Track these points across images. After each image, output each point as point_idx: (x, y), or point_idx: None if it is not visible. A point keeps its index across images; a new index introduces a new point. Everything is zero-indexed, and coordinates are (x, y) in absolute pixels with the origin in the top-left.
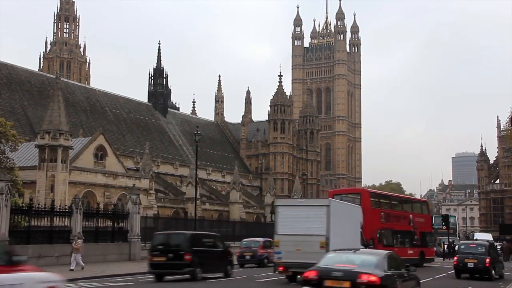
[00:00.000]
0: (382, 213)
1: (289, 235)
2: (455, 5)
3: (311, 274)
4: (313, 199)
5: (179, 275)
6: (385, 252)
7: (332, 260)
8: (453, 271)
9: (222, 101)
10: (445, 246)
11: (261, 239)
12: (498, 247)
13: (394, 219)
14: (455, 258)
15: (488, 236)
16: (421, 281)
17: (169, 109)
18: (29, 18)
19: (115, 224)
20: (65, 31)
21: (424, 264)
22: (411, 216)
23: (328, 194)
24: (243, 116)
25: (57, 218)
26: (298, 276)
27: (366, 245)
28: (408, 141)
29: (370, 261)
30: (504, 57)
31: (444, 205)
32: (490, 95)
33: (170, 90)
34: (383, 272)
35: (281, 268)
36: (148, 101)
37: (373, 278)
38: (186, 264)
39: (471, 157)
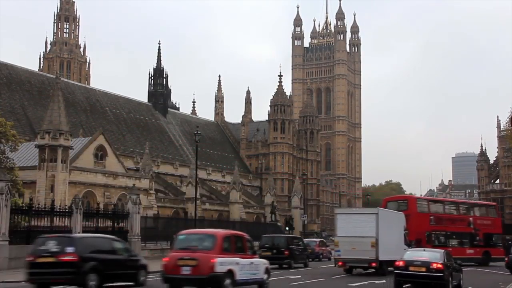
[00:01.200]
0: (431, 217)
1: (346, 237)
2: (455, 5)
3: (400, 263)
4: (365, 208)
5: (281, 265)
6: (442, 250)
7: (410, 255)
8: None
9: (222, 101)
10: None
11: (317, 239)
12: None
13: (448, 222)
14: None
15: None
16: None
17: (169, 109)
18: (29, 18)
19: (115, 224)
20: (65, 31)
21: (490, 264)
22: (471, 218)
23: (383, 201)
24: (243, 116)
25: (57, 218)
26: (354, 270)
27: (408, 245)
28: (408, 141)
29: (435, 255)
30: (504, 57)
31: None
32: (490, 95)
33: (170, 90)
34: (444, 263)
35: (340, 263)
36: (148, 101)
37: (439, 265)
38: (285, 257)
39: (471, 157)
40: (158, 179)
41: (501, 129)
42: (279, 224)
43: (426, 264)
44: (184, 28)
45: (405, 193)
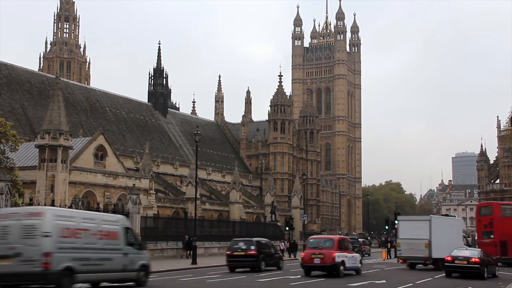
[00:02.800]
0: None
1: (405, 239)
2: (455, 5)
3: (448, 258)
4: (421, 215)
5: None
6: (480, 249)
7: (456, 252)
8: None
9: (222, 101)
10: None
11: (361, 239)
12: None
13: None
14: None
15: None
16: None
17: (169, 109)
18: (29, 18)
19: None
20: (65, 31)
21: None
22: None
23: (476, 206)
24: (243, 116)
25: None
26: (417, 265)
27: (469, 245)
28: (408, 141)
29: (474, 253)
30: (505, 57)
31: (444, 205)
32: (490, 95)
33: (170, 90)
34: (481, 257)
35: (401, 260)
36: (148, 101)
37: (476, 259)
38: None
39: (471, 157)
40: (158, 179)
41: (501, 129)
42: (279, 224)
43: (467, 259)
44: (184, 27)
45: (405, 193)
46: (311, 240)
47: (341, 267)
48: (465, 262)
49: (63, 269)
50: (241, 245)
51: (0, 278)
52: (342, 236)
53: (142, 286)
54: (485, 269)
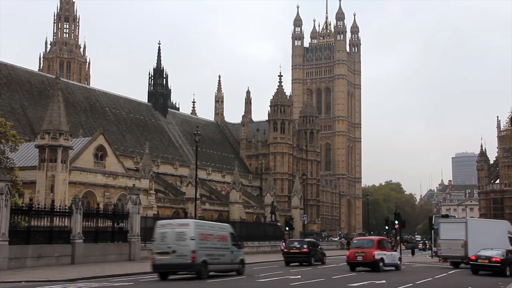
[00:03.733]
0: None
1: (445, 239)
2: (455, 5)
3: (473, 257)
4: (458, 218)
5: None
6: (504, 249)
7: (481, 252)
8: None
9: (222, 101)
10: None
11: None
12: None
13: None
14: None
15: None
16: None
17: (169, 109)
18: (29, 18)
19: (115, 224)
20: (65, 31)
21: None
22: None
23: None
24: (243, 116)
25: (57, 218)
26: (460, 265)
27: None
28: (408, 141)
29: (497, 252)
30: (505, 56)
31: (444, 205)
32: (490, 95)
33: (170, 90)
34: (503, 257)
35: (442, 260)
36: (148, 101)
37: (497, 259)
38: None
39: (471, 157)
40: (158, 179)
41: (501, 129)
42: (279, 224)
43: (489, 258)
44: (184, 27)
45: (405, 193)
46: (354, 241)
47: (381, 263)
48: (487, 261)
49: (202, 262)
50: (296, 244)
51: (163, 267)
52: (382, 237)
53: (240, 275)
54: (507, 268)
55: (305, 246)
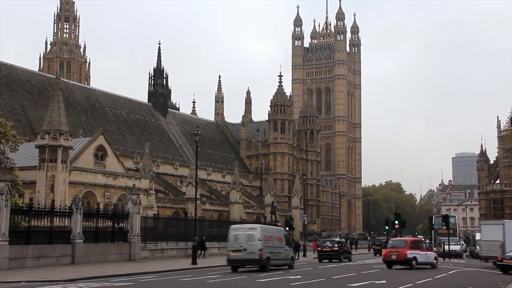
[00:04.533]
0: None
1: (485, 241)
2: (456, 4)
3: (499, 257)
4: (496, 220)
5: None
6: None
7: (509, 253)
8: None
9: (222, 101)
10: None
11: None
12: None
13: None
14: None
15: (497, 228)
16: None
17: (169, 109)
18: (29, 18)
19: (115, 224)
20: (65, 31)
21: None
22: None
23: None
24: (243, 116)
25: (57, 219)
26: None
27: None
28: (408, 141)
29: None
30: (505, 56)
31: (444, 205)
32: (490, 95)
33: (170, 90)
34: None
35: (484, 260)
36: (148, 101)
37: None
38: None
39: (471, 157)
40: (158, 179)
41: (501, 129)
42: (279, 224)
43: None
44: (184, 27)
45: (406, 193)
46: (390, 242)
47: (413, 262)
48: (511, 261)
49: (266, 258)
50: (328, 243)
51: (236, 261)
52: (416, 239)
53: (292, 268)
54: None
55: (336, 245)
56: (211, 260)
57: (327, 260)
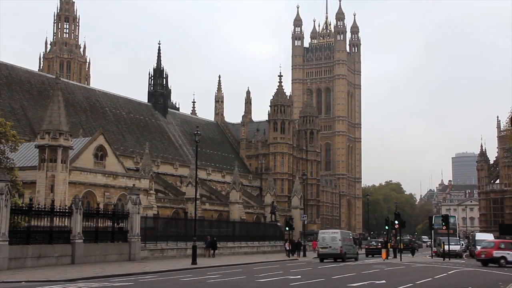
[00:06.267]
0: None
1: None
2: (456, 4)
3: None
4: None
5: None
6: None
7: None
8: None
9: (222, 101)
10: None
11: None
12: None
13: None
14: None
15: (490, 237)
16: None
17: (169, 109)
18: (29, 18)
19: (115, 224)
20: (65, 31)
21: None
22: None
23: None
24: (243, 116)
25: (57, 218)
26: None
27: None
28: (408, 141)
29: None
30: (505, 56)
31: (444, 205)
32: (490, 95)
33: (170, 90)
34: None
35: None
36: (148, 101)
37: None
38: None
39: (471, 157)
40: (158, 179)
41: (501, 129)
42: (279, 224)
43: None
44: (184, 27)
45: (405, 193)
46: (483, 243)
47: (502, 261)
48: None
49: (344, 252)
50: (374, 242)
51: (324, 255)
52: (505, 240)
53: (357, 260)
54: None
55: (379, 244)
56: (211, 260)
57: (371, 256)
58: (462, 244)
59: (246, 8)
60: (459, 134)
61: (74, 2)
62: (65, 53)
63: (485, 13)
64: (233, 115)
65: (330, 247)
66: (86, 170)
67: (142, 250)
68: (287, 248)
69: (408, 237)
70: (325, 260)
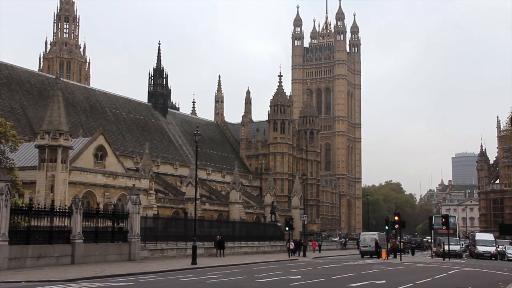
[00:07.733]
0: None
1: None
2: (456, 4)
3: None
4: None
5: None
6: None
7: None
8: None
9: (222, 101)
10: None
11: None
12: None
13: None
14: None
15: (490, 237)
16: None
17: (169, 109)
18: (29, 18)
19: (115, 224)
20: (65, 31)
21: None
22: None
23: None
24: (243, 116)
25: (57, 219)
26: None
27: None
28: (408, 141)
29: None
30: (505, 56)
31: (444, 205)
32: (490, 95)
33: (170, 90)
34: None
35: None
36: (148, 101)
37: None
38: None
39: (471, 157)
40: (158, 179)
41: (501, 129)
42: (279, 224)
43: None
44: (184, 27)
45: (405, 193)
46: None
47: None
48: None
49: (379, 250)
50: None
51: (364, 253)
52: None
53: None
54: None
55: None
56: (211, 260)
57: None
58: (462, 244)
59: (246, 8)
60: (459, 134)
61: (74, 2)
62: (65, 53)
63: (485, 13)
64: (233, 115)
65: (369, 246)
66: (86, 170)
67: (142, 250)
68: (291, 247)
69: (408, 237)
70: (365, 256)
